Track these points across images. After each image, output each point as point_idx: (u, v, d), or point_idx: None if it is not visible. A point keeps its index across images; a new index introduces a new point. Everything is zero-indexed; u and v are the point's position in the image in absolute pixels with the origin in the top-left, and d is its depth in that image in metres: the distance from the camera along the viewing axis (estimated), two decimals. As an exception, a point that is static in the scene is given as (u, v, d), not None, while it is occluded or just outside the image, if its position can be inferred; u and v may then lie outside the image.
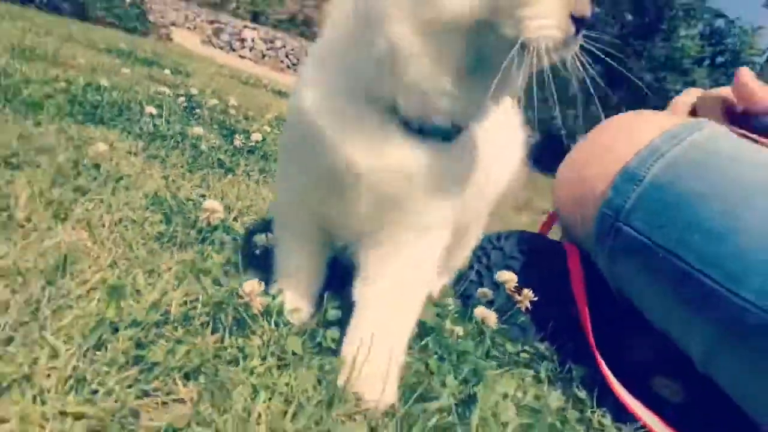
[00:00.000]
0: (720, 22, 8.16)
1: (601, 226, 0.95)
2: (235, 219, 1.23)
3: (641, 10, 8.00)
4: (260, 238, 0.96)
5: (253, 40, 12.76)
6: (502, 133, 1.00)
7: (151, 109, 2.01)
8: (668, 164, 0.90)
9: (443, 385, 0.80)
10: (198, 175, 1.54)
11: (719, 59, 8.15)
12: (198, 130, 1.95)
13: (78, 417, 0.54)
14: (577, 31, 0.62)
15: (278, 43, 12.71)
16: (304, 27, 13.36)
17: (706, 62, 7.54)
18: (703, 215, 0.83)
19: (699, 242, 0.82)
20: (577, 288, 1.02)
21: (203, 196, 1.30)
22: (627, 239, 0.91)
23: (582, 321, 0.99)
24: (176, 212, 1.13)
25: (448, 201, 0.79)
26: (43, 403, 0.54)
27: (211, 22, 12.92)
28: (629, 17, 8.20)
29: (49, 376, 0.57)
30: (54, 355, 0.60)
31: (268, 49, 12.73)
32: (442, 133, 0.73)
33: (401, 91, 0.69)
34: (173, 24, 15.07)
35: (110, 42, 5.00)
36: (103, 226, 1.01)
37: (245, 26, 12.85)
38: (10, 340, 0.60)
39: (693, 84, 6.91)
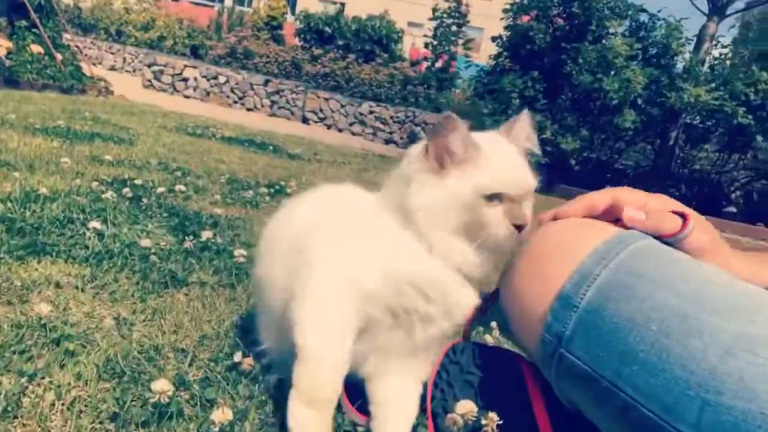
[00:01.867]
0: (645, 17, 8.45)
1: (544, 349, 0.98)
2: (186, 388, 1.20)
3: (570, 13, 8.23)
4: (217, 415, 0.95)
5: (195, 79, 12.62)
6: None
7: (95, 224, 1.97)
8: (599, 288, 0.92)
9: None
10: (151, 305, 1.53)
11: (651, 51, 8.43)
12: (146, 242, 1.93)
13: None
14: (519, 230, 1.00)
15: (221, 79, 12.61)
16: (246, 60, 13.29)
17: (639, 58, 7.80)
18: (635, 345, 0.86)
19: (635, 374, 0.85)
20: (539, 409, 1.05)
21: (156, 348, 1.28)
22: (570, 365, 0.94)
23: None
24: (130, 380, 1.11)
25: None
26: None
27: (150, 65, 12.72)
28: (560, 21, 8.43)
29: None
30: None
31: (212, 86, 12.61)
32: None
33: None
34: (112, 68, 14.79)
35: (46, 116, 4.88)
36: (56, 414, 0.99)
37: (186, 65, 12.70)
38: None
39: (628, 83, 7.15)
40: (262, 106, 12.67)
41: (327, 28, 14.41)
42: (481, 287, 1.09)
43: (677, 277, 0.91)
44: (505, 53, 9.17)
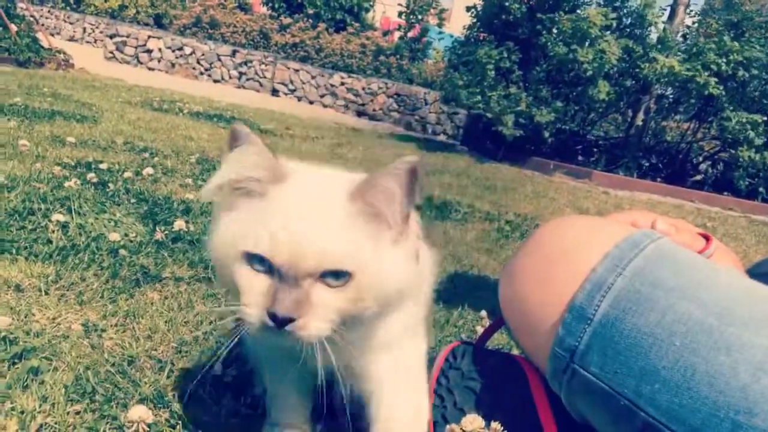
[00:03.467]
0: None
1: (554, 364, 0.91)
2: (165, 406, 1.10)
3: (545, -18, 8.11)
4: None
5: (160, 50, 12.16)
6: None
7: (58, 216, 1.83)
8: (615, 299, 0.85)
9: None
10: (122, 305, 1.42)
11: (625, 21, 8.38)
12: (114, 235, 1.80)
13: None
14: (279, 325, 0.72)
15: (187, 50, 12.18)
16: (212, 29, 12.85)
17: (613, 28, 7.74)
18: (657, 362, 0.80)
19: (658, 392, 0.79)
20: (546, 418, 0.99)
21: (130, 360, 1.18)
22: (584, 381, 0.87)
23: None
24: (103, 401, 1.01)
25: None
26: None
27: (112, 36, 12.20)
28: (534, -9, 8.30)
29: None
30: None
31: (177, 57, 12.18)
32: None
33: None
34: (72, 39, 14.16)
35: (1, 92, 4.61)
36: None
37: (150, 36, 12.21)
38: None
39: (603, 54, 7.10)
40: (230, 77, 12.30)
41: (296, -3, 13.99)
42: None
43: (698, 285, 0.84)
44: (479, 24, 9.01)
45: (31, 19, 8.84)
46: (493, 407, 1.04)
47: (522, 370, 1.07)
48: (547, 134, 7.46)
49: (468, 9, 9.26)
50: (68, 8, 15.28)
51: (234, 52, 12.28)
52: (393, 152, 6.34)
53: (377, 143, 7.16)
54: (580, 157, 8.17)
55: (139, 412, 0.88)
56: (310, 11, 13.90)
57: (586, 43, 7.35)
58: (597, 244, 0.93)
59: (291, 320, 0.71)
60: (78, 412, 0.99)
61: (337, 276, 0.74)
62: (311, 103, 12.13)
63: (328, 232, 0.74)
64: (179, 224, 1.98)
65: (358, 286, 0.75)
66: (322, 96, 12.23)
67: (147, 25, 14.03)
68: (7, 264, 1.52)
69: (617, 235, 0.94)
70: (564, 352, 0.88)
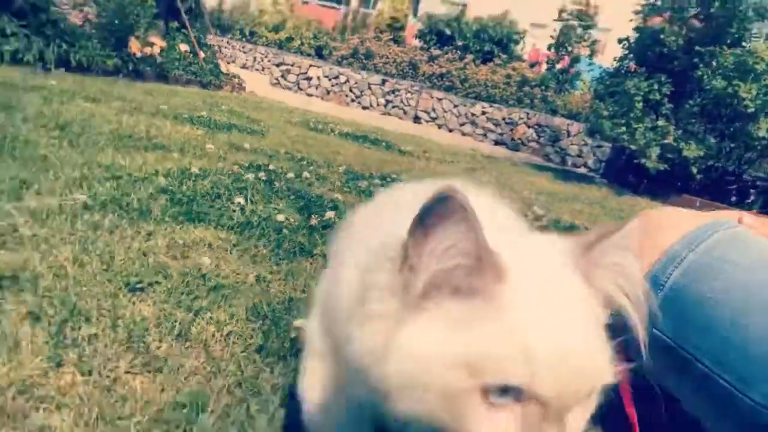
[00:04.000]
0: (795, 19, 7.75)
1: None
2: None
3: (709, 14, 7.75)
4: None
5: (318, 78, 13.30)
6: None
7: (238, 199, 2.28)
8: (685, 270, 1.01)
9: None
10: (284, 268, 1.77)
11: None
12: (280, 217, 2.21)
13: None
14: None
15: (342, 79, 13.18)
16: (366, 60, 13.77)
17: (783, 64, 7.18)
18: (715, 322, 0.94)
19: (714, 347, 0.93)
20: (625, 391, 1.14)
21: (290, 301, 1.52)
22: (655, 339, 1.03)
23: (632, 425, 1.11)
24: (271, 323, 1.35)
25: None
26: None
27: (278, 64, 13.58)
28: (696, 24, 7.97)
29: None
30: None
31: (333, 85, 13.22)
32: None
33: None
34: (244, 66, 15.94)
35: (191, 106, 5.46)
36: (216, 342, 1.24)
37: (311, 65, 13.42)
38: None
39: (766, 90, 6.64)
40: (377, 104, 13.09)
41: (447, 30, 14.57)
42: None
43: (762, 265, 0.98)
44: (631, 55, 8.80)
45: (216, 47, 10.21)
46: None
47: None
48: (695, 170, 7.08)
49: (620, 41, 9.09)
50: (243, 39, 17.22)
51: (383, 81, 13.05)
52: (526, 179, 6.43)
53: (512, 170, 7.27)
54: (733, 198, 7.61)
55: (300, 323, 1.19)
56: (459, 43, 14.38)
57: (750, 79, 6.91)
58: (681, 228, 1.09)
59: None
60: (254, 328, 1.32)
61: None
62: (450, 131, 12.49)
63: (597, 341, 0.56)
64: (329, 215, 2.34)
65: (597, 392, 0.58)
66: (461, 124, 12.55)
67: (309, 55, 15.37)
68: (203, 229, 1.95)
69: (701, 222, 1.09)
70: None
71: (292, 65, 13.50)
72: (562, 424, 0.53)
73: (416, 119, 12.90)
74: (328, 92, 13.22)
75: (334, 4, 26.45)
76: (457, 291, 0.55)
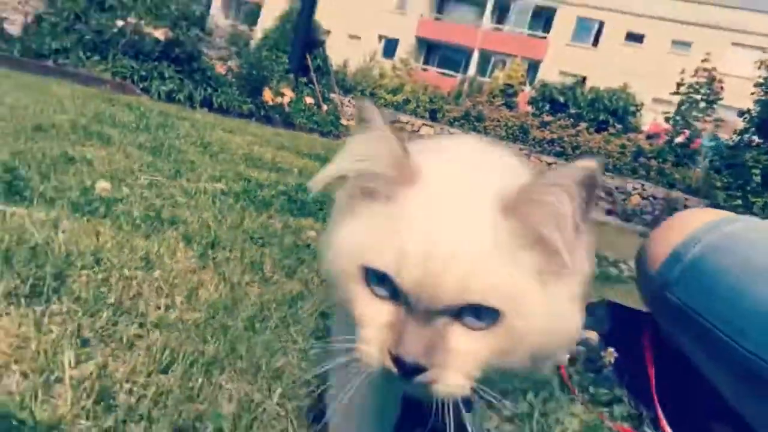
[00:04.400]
0: None
1: (653, 293, 1.26)
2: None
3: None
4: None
5: (429, 136, 13.95)
6: None
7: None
8: (704, 246, 1.20)
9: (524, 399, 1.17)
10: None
11: None
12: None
13: None
14: (406, 374, 0.56)
15: (453, 138, 13.71)
16: (477, 122, 14.24)
17: None
18: (723, 286, 1.12)
19: (719, 307, 1.10)
20: (647, 352, 1.31)
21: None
22: (671, 304, 1.21)
23: (650, 379, 1.27)
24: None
25: None
26: None
27: (393, 122, 14.44)
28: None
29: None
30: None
31: (443, 144, 13.79)
32: None
33: None
34: (361, 124, 17.01)
35: (311, 147, 6.09)
36: (312, 281, 1.57)
37: (423, 124, 14.12)
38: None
39: None
40: (487, 165, 13.40)
41: (561, 98, 14.78)
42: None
43: None
44: (752, 129, 8.50)
45: (338, 103, 11.14)
46: (613, 342, 1.39)
47: (639, 321, 1.40)
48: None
49: (741, 114, 8.83)
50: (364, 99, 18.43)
51: (493, 143, 13.38)
52: (635, 242, 6.36)
53: (623, 239, 7.19)
54: None
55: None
56: (573, 111, 14.49)
57: None
58: (706, 218, 1.28)
59: (421, 369, 0.56)
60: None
61: (480, 315, 0.57)
62: (559, 195, 12.43)
63: (476, 253, 0.56)
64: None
65: (509, 331, 0.57)
66: (570, 190, 12.45)
67: (423, 117, 16.16)
68: (312, 221, 2.33)
69: (724, 214, 1.28)
70: (660, 281, 1.24)
71: (405, 123, 14.27)
72: (435, 331, 0.56)
73: (523, 182, 13.02)
74: (438, 150, 13.77)
75: (453, 72, 27.58)
76: (378, 195, 0.61)
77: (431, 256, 0.55)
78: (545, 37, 28.27)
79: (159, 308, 1.15)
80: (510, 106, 15.55)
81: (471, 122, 14.52)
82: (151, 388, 0.88)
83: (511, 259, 0.56)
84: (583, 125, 13.76)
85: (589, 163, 0.55)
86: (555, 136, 13.71)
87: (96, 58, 6.48)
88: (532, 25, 28.93)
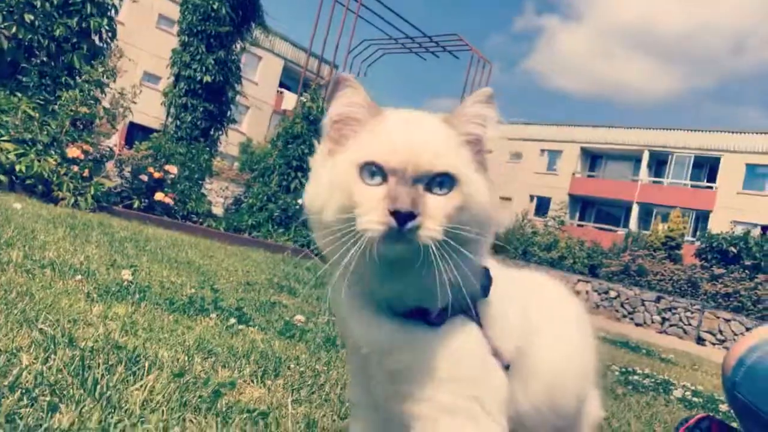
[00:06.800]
0: None
1: (727, 390, 1.47)
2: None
3: None
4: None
5: (587, 293, 13.63)
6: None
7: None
8: (762, 354, 1.42)
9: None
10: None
11: None
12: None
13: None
14: (401, 223, 0.74)
15: (612, 294, 13.27)
16: (638, 276, 13.73)
17: None
18: None
19: None
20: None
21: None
22: (739, 402, 1.42)
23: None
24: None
25: (463, 379, 0.86)
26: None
27: (548, 279, 14.41)
28: None
29: None
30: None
31: (602, 300, 13.36)
32: (419, 315, 0.85)
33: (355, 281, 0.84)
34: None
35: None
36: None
37: (579, 280, 13.92)
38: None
39: None
40: (653, 322, 12.62)
41: (732, 248, 13.84)
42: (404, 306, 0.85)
43: None
44: None
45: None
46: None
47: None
48: None
49: None
50: (517, 257, 18.62)
51: (659, 298, 12.72)
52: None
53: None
54: None
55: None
56: (747, 262, 13.41)
57: None
58: (762, 335, 1.50)
59: (412, 216, 0.74)
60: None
61: (443, 184, 0.79)
62: (742, 354, 11.16)
63: (438, 143, 0.81)
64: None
65: (463, 193, 0.80)
66: (756, 348, 11.15)
67: (581, 273, 15.88)
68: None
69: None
70: (729, 383, 1.47)
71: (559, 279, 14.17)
72: (417, 190, 0.77)
73: (699, 340, 11.98)
74: (597, 306, 13.33)
75: (612, 227, 27.06)
76: (354, 131, 0.85)
77: (412, 144, 0.79)
78: (711, 187, 27.05)
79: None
80: (674, 259, 14.81)
81: (632, 276, 14.02)
82: None
83: (457, 150, 0.82)
84: (761, 277, 12.59)
85: (486, 88, 0.86)
86: (730, 289, 12.65)
87: (281, 230, 7.75)
88: (695, 175, 27.99)
